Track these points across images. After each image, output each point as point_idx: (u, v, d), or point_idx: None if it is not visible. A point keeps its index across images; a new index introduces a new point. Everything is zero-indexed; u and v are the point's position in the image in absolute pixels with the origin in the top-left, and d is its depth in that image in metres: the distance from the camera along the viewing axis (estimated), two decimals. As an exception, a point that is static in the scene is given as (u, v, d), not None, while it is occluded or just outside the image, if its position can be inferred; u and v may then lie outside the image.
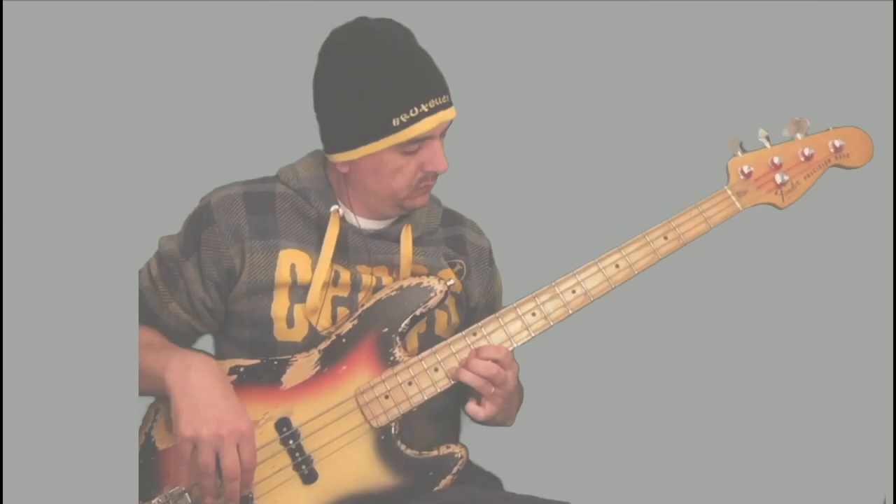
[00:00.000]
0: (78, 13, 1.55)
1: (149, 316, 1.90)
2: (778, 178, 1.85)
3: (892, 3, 2.58)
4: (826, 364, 2.84)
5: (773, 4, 2.80)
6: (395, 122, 1.76)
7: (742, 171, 1.85)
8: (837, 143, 1.86)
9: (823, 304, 2.83)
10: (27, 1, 1.54)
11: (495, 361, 1.80)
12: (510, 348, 1.82)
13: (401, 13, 1.80)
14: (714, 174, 1.86)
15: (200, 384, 1.75)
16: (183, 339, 1.92)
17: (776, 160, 1.85)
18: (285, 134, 1.93)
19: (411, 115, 1.76)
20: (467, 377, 1.80)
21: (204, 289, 1.86)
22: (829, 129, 1.86)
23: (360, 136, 1.79)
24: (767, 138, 1.86)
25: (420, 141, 1.79)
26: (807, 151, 1.85)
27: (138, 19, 1.65)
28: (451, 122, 1.82)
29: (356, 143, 1.79)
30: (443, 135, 1.83)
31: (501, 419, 1.87)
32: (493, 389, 1.80)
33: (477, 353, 1.81)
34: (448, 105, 1.80)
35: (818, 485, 2.70)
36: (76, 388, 1.55)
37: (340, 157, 1.82)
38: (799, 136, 1.86)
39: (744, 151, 1.86)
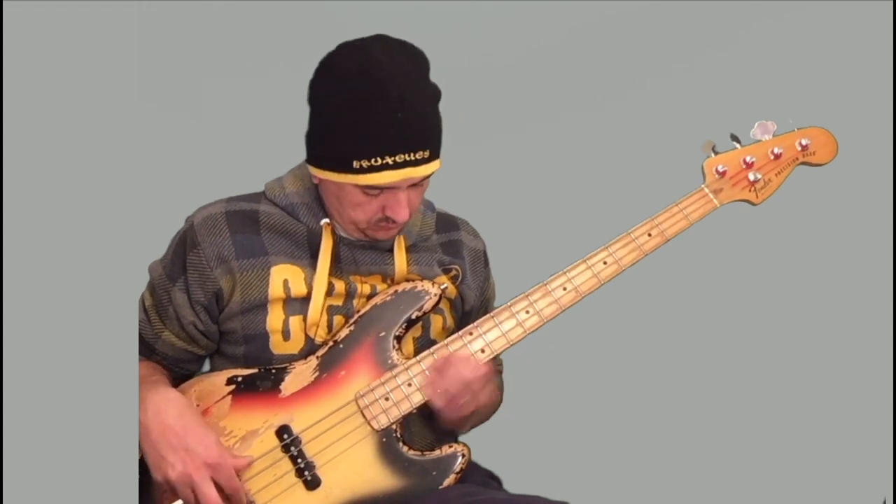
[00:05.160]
0: (77, 13, 1.57)
1: (146, 347, 1.91)
2: (751, 176, 1.93)
3: (892, 3, 2.68)
4: (826, 360, 2.88)
5: (774, 4, 2.87)
6: (356, 164, 1.74)
7: (717, 171, 1.93)
8: (804, 142, 1.95)
9: (807, 295, 2.88)
10: (27, 1, 1.56)
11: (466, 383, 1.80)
12: (483, 360, 1.82)
13: (381, 13, 1.82)
14: (692, 174, 1.94)
15: (157, 426, 1.74)
16: (183, 364, 1.92)
17: (748, 159, 1.94)
18: (278, 140, 1.94)
19: (373, 163, 1.73)
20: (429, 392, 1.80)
21: (193, 312, 1.86)
22: (794, 130, 1.96)
23: (324, 161, 1.79)
24: (738, 140, 1.95)
25: (382, 188, 1.77)
26: (776, 150, 1.95)
27: (136, 20, 1.67)
28: (424, 177, 1.78)
29: (320, 166, 1.80)
30: (418, 185, 1.80)
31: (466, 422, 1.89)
32: (460, 402, 1.81)
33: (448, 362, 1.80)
34: (422, 161, 1.75)
35: (818, 485, 2.71)
36: (75, 390, 1.54)
37: (311, 170, 1.83)
38: (766, 137, 1.96)
39: (716, 153, 1.95)
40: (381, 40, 1.77)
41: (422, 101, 1.76)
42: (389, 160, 1.73)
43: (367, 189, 1.77)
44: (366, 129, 1.73)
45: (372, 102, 1.72)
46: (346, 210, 1.81)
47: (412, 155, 1.74)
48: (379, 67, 1.72)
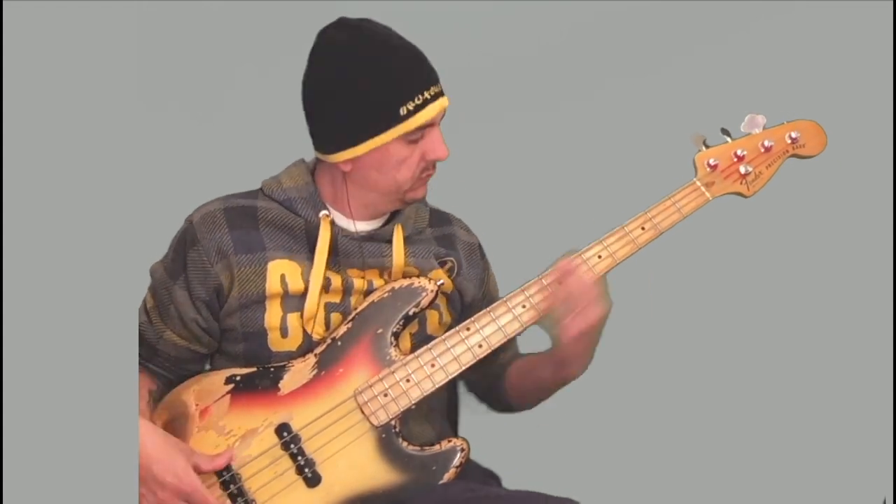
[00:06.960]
0: (77, 13, 1.58)
1: (148, 350, 1.92)
2: (742, 169, 1.95)
3: (892, 3, 2.69)
4: (824, 358, 2.88)
5: (774, 4, 2.89)
6: (403, 110, 1.79)
7: (708, 164, 1.95)
8: (794, 135, 1.97)
9: (799, 287, 2.89)
10: (27, 0, 1.57)
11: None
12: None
13: (379, 11, 1.85)
14: (684, 168, 1.96)
15: None
16: (186, 364, 1.93)
17: (739, 152, 1.95)
18: (276, 140, 1.96)
19: (417, 102, 1.79)
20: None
21: (195, 309, 1.87)
22: (784, 123, 1.98)
23: (367, 130, 1.81)
24: (728, 134, 1.97)
25: (424, 129, 1.82)
26: (766, 143, 1.96)
27: (136, 20, 1.69)
28: (445, 110, 1.86)
29: (363, 138, 1.81)
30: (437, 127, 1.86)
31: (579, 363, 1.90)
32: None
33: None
34: (443, 93, 1.84)
35: (818, 485, 2.72)
36: (76, 393, 1.55)
37: (343, 156, 1.84)
38: (756, 130, 1.98)
39: (707, 147, 1.97)
40: (346, 19, 1.85)
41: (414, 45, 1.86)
42: (428, 94, 1.81)
43: (413, 135, 1.81)
44: (400, 75, 1.80)
45: (391, 53, 1.81)
46: (389, 176, 1.84)
47: (437, 87, 1.83)
48: (370, 29, 1.83)
